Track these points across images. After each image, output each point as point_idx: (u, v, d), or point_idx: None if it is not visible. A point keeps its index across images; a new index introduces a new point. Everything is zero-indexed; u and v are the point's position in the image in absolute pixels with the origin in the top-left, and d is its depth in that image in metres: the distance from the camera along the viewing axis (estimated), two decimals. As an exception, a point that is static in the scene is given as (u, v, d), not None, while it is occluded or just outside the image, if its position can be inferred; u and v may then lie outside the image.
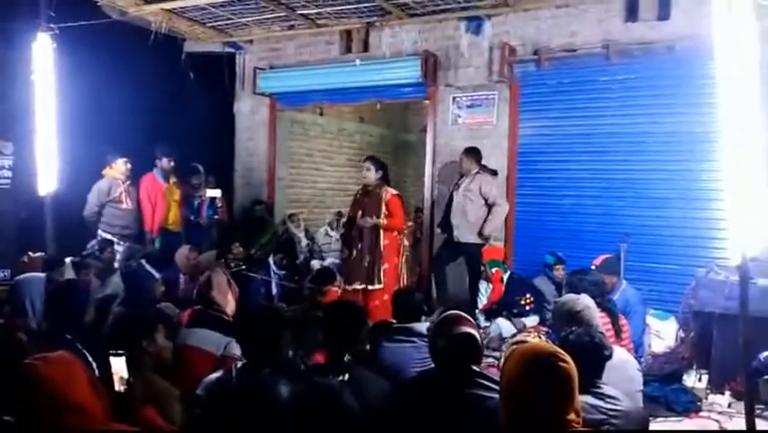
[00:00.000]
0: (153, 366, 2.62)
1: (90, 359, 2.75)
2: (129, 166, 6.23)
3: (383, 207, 5.47)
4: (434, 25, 6.59)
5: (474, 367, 2.42)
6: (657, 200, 5.57)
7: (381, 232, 5.48)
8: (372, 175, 5.54)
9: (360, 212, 5.54)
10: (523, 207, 6.27)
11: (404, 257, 5.66)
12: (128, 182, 6.28)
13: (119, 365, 2.33)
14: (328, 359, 2.64)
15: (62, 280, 4.14)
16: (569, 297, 3.31)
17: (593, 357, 2.40)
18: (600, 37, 5.72)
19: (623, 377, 2.83)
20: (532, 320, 5.32)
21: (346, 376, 2.42)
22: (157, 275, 4.56)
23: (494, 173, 5.86)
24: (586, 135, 5.89)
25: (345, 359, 2.51)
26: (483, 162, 5.80)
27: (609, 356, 2.50)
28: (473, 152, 5.74)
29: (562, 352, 1.85)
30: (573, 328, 2.65)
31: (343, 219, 7.42)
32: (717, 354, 4.26)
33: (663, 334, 5.07)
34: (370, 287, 5.38)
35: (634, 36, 5.59)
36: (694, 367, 4.51)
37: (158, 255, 6.04)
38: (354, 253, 5.52)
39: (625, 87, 5.68)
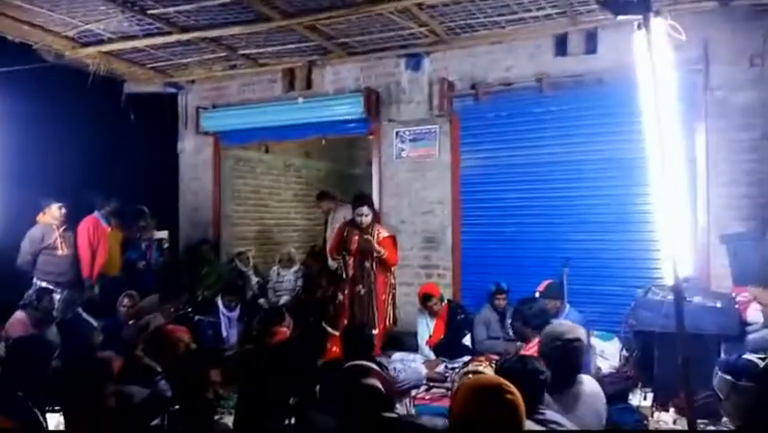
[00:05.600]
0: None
1: (41, 418, 2.61)
2: (63, 211, 6.04)
3: (376, 247, 5.49)
4: (375, 62, 6.73)
5: (386, 414, 2.43)
6: (596, 225, 5.77)
7: (374, 273, 5.51)
8: (369, 220, 5.57)
9: (350, 252, 5.54)
10: (468, 237, 6.39)
11: (390, 295, 5.68)
12: (63, 228, 6.08)
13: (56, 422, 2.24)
14: (275, 402, 2.60)
15: (23, 336, 3.91)
16: (560, 325, 3.29)
17: (530, 383, 2.44)
18: (533, 71, 5.97)
19: (591, 411, 2.87)
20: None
21: (293, 420, 2.39)
22: (95, 324, 4.39)
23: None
24: (525, 165, 6.08)
25: (291, 402, 2.48)
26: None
27: (546, 381, 2.54)
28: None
29: (508, 383, 1.89)
30: (509, 357, 2.68)
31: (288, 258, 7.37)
32: (659, 372, 4.38)
33: (607, 354, 5.18)
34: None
35: (564, 69, 5.86)
36: (639, 386, 4.64)
37: (98, 302, 5.87)
38: (355, 294, 5.52)
39: (559, 117, 5.92)
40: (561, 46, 5.88)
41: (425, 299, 5.56)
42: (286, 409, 2.50)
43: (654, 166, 3.44)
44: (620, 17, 3.05)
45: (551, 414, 2.47)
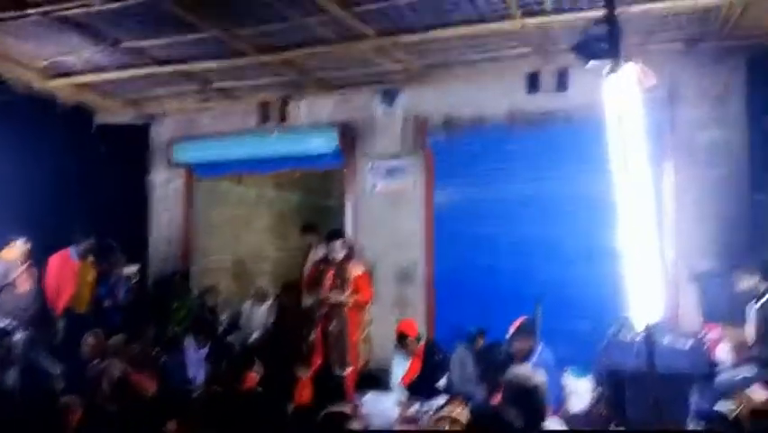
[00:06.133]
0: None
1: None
2: (28, 246, 5.88)
3: (349, 285, 5.45)
4: (350, 96, 6.74)
5: None
6: (568, 261, 5.79)
7: (348, 310, 5.45)
8: (343, 254, 5.54)
9: (323, 288, 5.49)
10: (441, 271, 6.37)
11: (364, 333, 5.63)
12: (28, 263, 5.91)
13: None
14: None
15: None
16: (521, 372, 3.27)
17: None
18: (506, 107, 6.04)
19: None
20: None
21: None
22: (57, 370, 4.22)
23: None
24: (497, 200, 6.12)
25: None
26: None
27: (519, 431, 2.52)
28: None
29: None
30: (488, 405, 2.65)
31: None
32: (631, 412, 4.38)
33: (580, 392, 5.17)
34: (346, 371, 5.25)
35: (536, 106, 5.94)
36: (612, 425, 4.63)
37: (62, 340, 5.70)
38: (327, 332, 5.44)
39: (531, 153, 5.99)
40: (533, 83, 5.96)
41: (402, 337, 5.48)
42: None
43: (624, 203, 3.49)
44: (591, 63, 3.10)
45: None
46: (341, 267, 5.53)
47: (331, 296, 5.46)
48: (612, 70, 3.08)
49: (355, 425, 2.47)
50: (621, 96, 3.38)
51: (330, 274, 5.53)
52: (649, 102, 4.38)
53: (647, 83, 3.40)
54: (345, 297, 5.45)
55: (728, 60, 5.36)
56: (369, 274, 5.74)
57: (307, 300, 6.03)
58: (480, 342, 5.47)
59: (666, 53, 5.32)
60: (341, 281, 5.51)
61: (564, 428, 3.14)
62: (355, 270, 5.58)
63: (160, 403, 2.93)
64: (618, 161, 3.33)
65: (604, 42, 3.01)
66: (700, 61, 5.41)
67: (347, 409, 2.64)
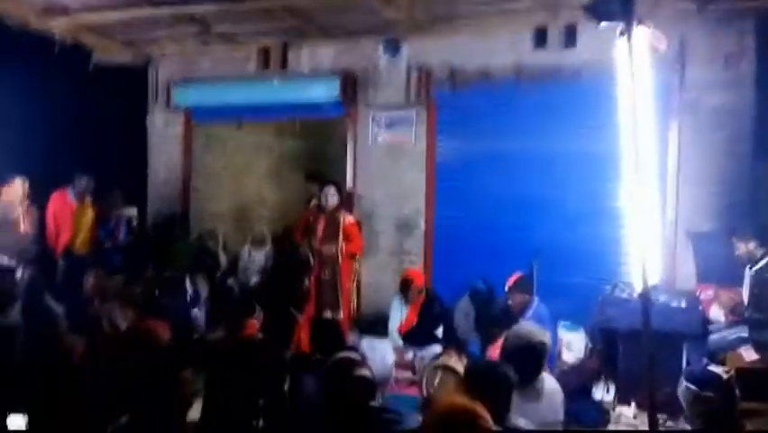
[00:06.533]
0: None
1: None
2: (27, 186, 5.85)
3: (341, 233, 5.51)
4: (353, 45, 6.61)
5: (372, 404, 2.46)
6: (568, 216, 5.82)
7: (340, 258, 5.55)
8: (336, 201, 5.58)
9: (316, 236, 5.58)
10: (442, 224, 6.40)
11: (354, 282, 5.73)
12: (27, 202, 5.89)
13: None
14: (244, 403, 2.58)
15: None
16: (526, 327, 3.33)
17: (501, 392, 2.45)
18: (512, 62, 5.95)
19: (549, 408, 2.97)
20: None
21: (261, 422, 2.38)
22: (59, 311, 4.26)
23: None
24: (500, 155, 6.09)
25: (260, 403, 2.47)
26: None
27: (514, 386, 2.57)
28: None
29: (478, 408, 1.85)
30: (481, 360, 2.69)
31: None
32: (623, 367, 4.50)
33: (573, 346, 5.29)
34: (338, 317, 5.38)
35: (543, 62, 5.84)
36: (602, 379, 4.76)
37: (62, 280, 5.74)
38: (321, 278, 5.58)
39: (535, 109, 5.92)
40: (540, 38, 5.85)
41: (406, 284, 5.46)
42: (255, 410, 2.48)
43: (628, 162, 3.50)
44: (603, 24, 3.04)
45: (514, 419, 2.50)
46: (333, 215, 5.59)
47: (323, 243, 5.52)
48: (623, 32, 3.03)
49: (363, 372, 2.52)
50: (632, 58, 3.34)
51: (322, 222, 5.59)
52: (658, 63, 4.36)
53: (658, 46, 3.35)
54: (337, 245, 5.52)
55: (739, 22, 5.27)
56: (360, 223, 5.83)
57: (301, 247, 6.08)
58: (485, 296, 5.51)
59: (677, 14, 5.20)
60: (332, 229, 5.56)
61: (555, 384, 3.21)
62: (347, 218, 5.63)
63: (174, 351, 2.94)
64: (625, 120, 3.32)
65: (616, 3, 2.95)
66: (711, 23, 5.31)
67: (355, 355, 2.68)
